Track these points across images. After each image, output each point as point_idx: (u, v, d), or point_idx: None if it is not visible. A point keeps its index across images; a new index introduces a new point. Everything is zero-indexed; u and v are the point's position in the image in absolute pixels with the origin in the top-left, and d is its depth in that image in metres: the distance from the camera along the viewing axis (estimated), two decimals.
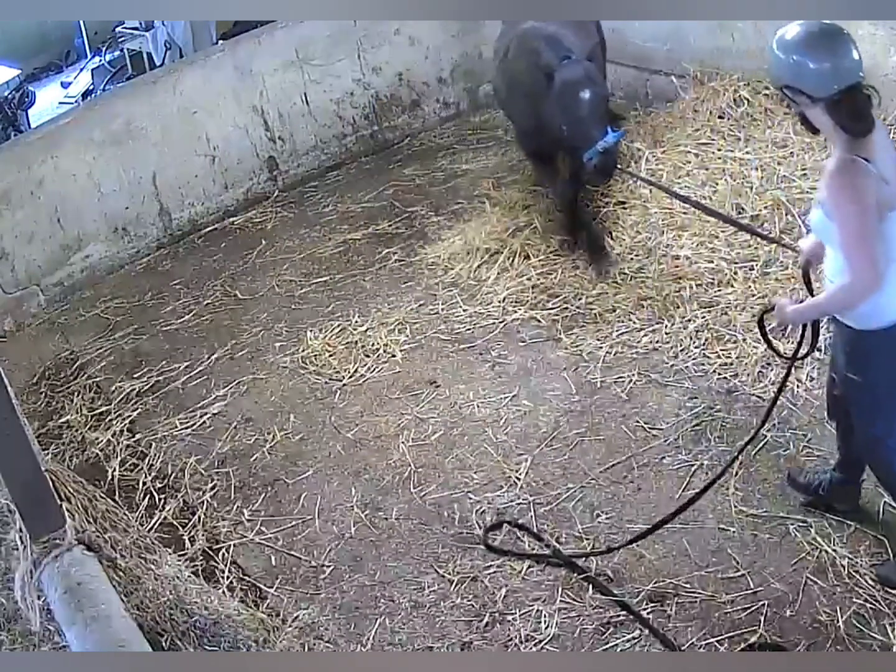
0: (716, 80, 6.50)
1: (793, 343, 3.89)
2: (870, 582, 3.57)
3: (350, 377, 5.20)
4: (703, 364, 4.75)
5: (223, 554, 4.25)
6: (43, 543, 3.17)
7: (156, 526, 4.46)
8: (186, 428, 5.09)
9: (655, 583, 3.76)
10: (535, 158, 6.06)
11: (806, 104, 3.01)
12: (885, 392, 3.31)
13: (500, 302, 5.49)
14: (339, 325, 5.58)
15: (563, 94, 5.13)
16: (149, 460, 4.91)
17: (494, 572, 3.97)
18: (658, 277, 5.31)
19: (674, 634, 3.55)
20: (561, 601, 3.77)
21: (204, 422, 5.11)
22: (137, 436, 5.12)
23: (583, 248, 5.62)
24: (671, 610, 3.65)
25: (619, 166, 5.22)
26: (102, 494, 3.64)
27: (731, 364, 4.69)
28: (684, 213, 5.68)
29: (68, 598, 2.99)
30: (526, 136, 5.92)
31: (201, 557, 4.25)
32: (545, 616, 3.72)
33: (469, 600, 3.88)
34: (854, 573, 3.61)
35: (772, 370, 4.59)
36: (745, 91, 6.35)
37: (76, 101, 8.72)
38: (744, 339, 4.76)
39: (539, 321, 5.31)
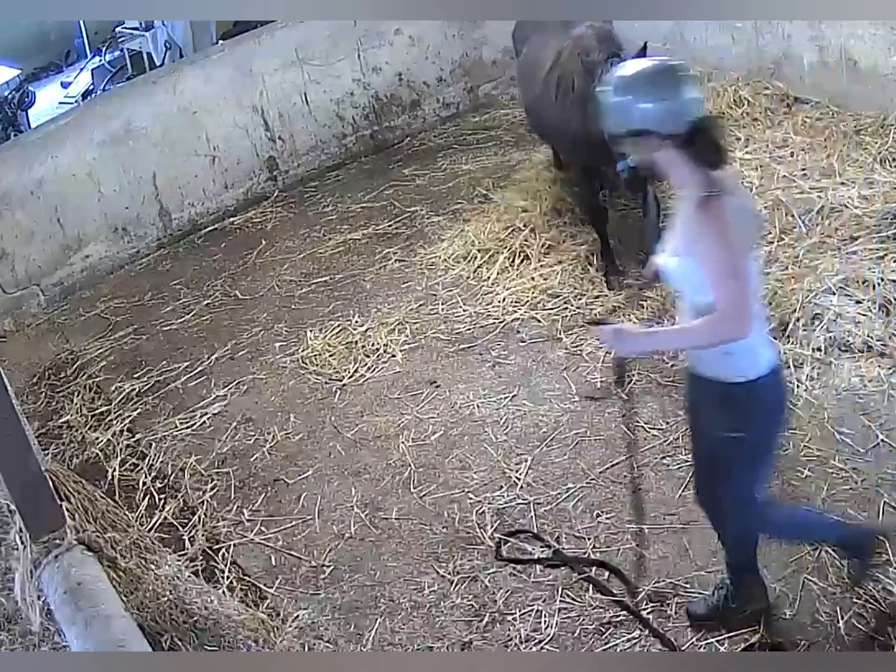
0: (716, 80, 6.52)
1: None
2: (870, 582, 3.56)
3: (350, 377, 5.20)
4: None
5: (223, 554, 4.25)
6: (43, 543, 3.17)
7: (156, 526, 4.46)
8: (186, 428, 5.10)
9: (655, 583, 3.76)
10: (585, 173, 5.50)
11: (657, 146, 2.87)
12: (761, 448, 3.12)
13: (500, 302, 5.49)
14: (339, 325, 5.58)
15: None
16: (149, 460, 4.91)
17: (494, 572, 3.96)
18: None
19: (674, 634, 3.55)
20: (561, 601, 3.77)
21: (204, 422, 5.12)
22: (137, 436, 5.12)
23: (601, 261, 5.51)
24: (671, 610, 3.65)
25: (649, 180, 4.87)
26: (102, 494, 3.64)
27: None
28: None
29: (68, 598, 2.99)
30: (577, 147, 5.31)
31: (201, 557, 4.25)
32: (545, 616, 3.72)
33: (469, 600, 3.87)
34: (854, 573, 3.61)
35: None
36: (745, 91, 6.36)
37: (76, 101, 8.71)
38: None
39: (539, 321, 5.31)
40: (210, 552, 4.28)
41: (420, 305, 5.65)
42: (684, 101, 2.82)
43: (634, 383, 4.74)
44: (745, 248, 2.83)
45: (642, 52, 4.77)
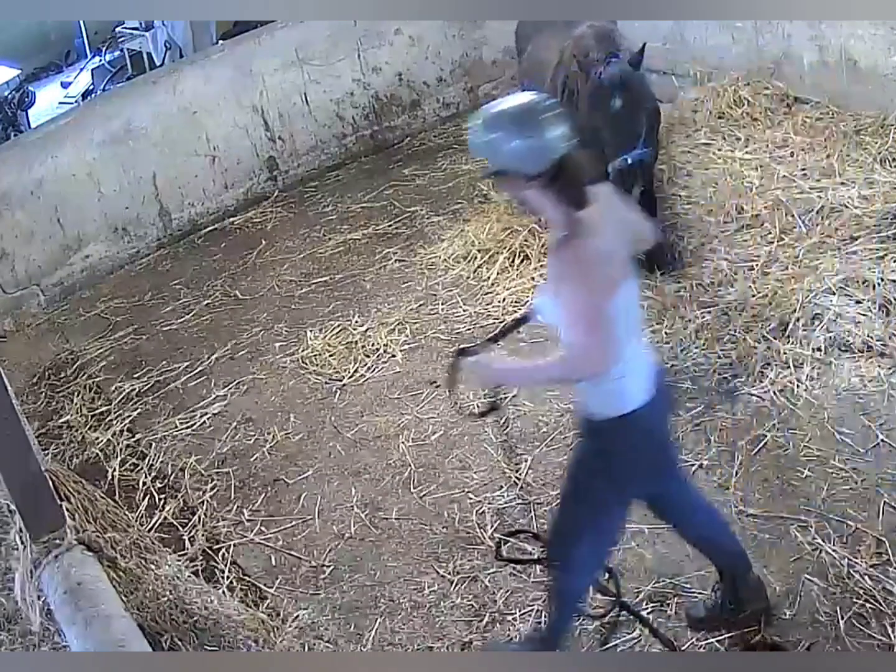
0: (716, 80, 6.52)
1: None
2: (870, 582, 3.57)
3: (350, 377, 5.20)
4: (703, 364, 4.74)
5: (223, 554, 4.25)
6: (43, 543, 3.17)
7: (156, 526, 4.46)
8: (186, 428, 5.10)
9: (655, 583, 3.76)
10: None
11: (522, 185, 2.84)
12: (615, 489, 3.09)
13: (500, 302, 5.49)
14: (339, 325, 5.58)
15: (595, 95, 4.83)
16: (149, 460, 4.91)
17: (494, 572, 3.96)
18: (660, 277, 5.31)
19: (674, 634, 3.55)
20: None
21: (204, 422, 5.12)
22: (137, 436, 5.12)
23: None
24: (671, 610, 3.65)
25: (641, 188, 4.81)
26: (102, 494, 3.64)
27: (731, 364, 4.69)
28: (686, 214, 5.70)
29: (68, 598, 3.00)
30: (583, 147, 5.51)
31: (201, 557, 4.25)
32: (545, 616, 3.72)
33: (469, 600, 3.87)
34: (854, 573, 3.61)
35: (771, 370, 4.59)
36: (745, 91, 6.36)
37: (76, 101, 8.72)
38: (744, 339, 4.75)
39: (539, 321, 5.29)
40: (210, 552, 4.28)
41: (420, 305, 5.65)
42: (547, 139, 2.76)
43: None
44: (605, 289, 2.77)
45: (640, 54, 4.77)
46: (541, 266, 5.61)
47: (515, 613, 3.76)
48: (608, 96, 4.74)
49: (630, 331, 2.90)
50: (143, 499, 4.65)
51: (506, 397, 3.19)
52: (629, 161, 4.70)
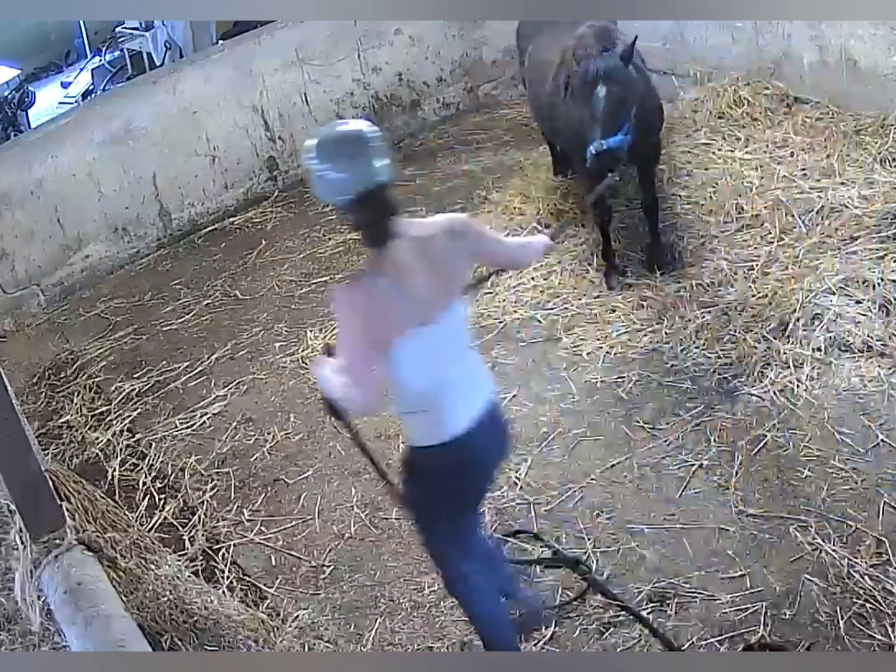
0: (716, 80, 6.52)
1: None
2: (870, 582, 3.57)
3: None
4: (703, 364, 4.74)
5: (223, 554, 4.25)
6: (43, 543, 3.17)
7: (156, 526, 4.46)
8: (186, 428, 5.10)
9: (655, 583, 3.76)
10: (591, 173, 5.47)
11: (339, 215, 2.90)
12: (433, 516, 3.17)
13: (500, 302, 5.49)
14: None
15: (582, 85, 4.87)
16: (149, 460, 4.91)
17: None
18: (659, 277, 5.32)
19: (674, 634, 3.55)
20: (561, 600, 3.77)
21: (204, 422, 5.12)
22: (137, 436, 5.12)
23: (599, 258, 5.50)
24: (671, 610, 3.65)
25: (612, 174, 4.73)
26: (102, 494, 3.64)
27: (731, 364, 4.69)
28: (686, 214, 5.70)
29: (68, 598, 2.99)
30: (584, 146, 5.11)
31: (201, 557, 4.25)
32: (544, 616, 3.72)
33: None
34: (854, 573, 3.61)
35: (771, 370, 4.60)
36: (745, 91, 6.36)
37: (76, 101, 8.71)
38: (744, 339, 4.76)
39: (539, 321, 5.30)
40: (210, 552, 4.28)
41: None
42: (345, 174, 2.73)
43: (634, 383, 4.75)
44: (375, 332, 2.77)
45: (631, 48, 4.78)
46: (540, 266, 5.62)
47: (515, 614, 3.76)
48: (593, 86, 4.77)
49: (437, 368, 2.89)
50: (143, 499, 4.65)
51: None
52: (604, 146, 4.66)
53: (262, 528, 4.40)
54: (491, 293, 5.57)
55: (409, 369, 2.86)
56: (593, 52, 4.82)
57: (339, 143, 2.80)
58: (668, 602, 3.68)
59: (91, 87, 9.07)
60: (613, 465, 4.35)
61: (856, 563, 3.64)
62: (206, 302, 6.16)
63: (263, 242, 6.68)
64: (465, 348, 3.03)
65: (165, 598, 3.23)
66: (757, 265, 5.17)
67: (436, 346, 2.86)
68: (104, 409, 5.35)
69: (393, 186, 2.82)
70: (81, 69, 9.35)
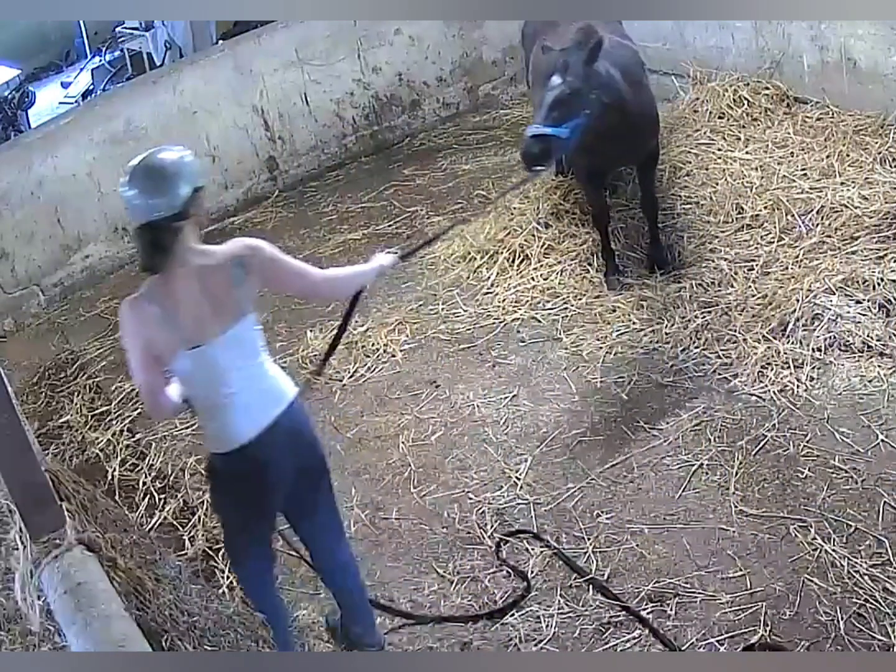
0: (716, 80, 6.52)
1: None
2: (870, 582, 3.57)
3: (350, 377, 5.20)
4: (703, 364, 4.75)
5: (223, 554, 4.25)
6: (43, 543, 3.16)
7: (156, 526, 4.46)
8: (186, 428, 5.09)
9: (655, 583, 3.76)
10: (590, 173, 5.46)
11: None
12: (232, 521, 3.40)
13: (500, 302, 5.49)
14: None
15: (540, 75, 4.89)
16: (149, 460, 4.90)
17: (494, 572, 3.97)
18: (659, 278, 5.32)
19: (674, 634, 3.55)
20: (561, 598, 3.77)
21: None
22: (137, 436, 5.12)
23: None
24: (671, 610, 3.65)
25: (541, 162, 4.63)
26: (102, 494, 3.64)
27: (731, 364, 4.69)
28: (686, 214, 5.70)
29: (68, 598, 2.99)
30: (584, 146, 5.08)
31: (201, 557, 4.25)
32: (545, 616, 3.72)
33: (469, 600, 3.87)
34: (854, 573, 3.61)
35: (771, 370, 4.60)
36: (745, 91, 6.36)
37: (76, 101, 8.71)
38: (744, 339, 4.76)
39: (539, 321, 5.31)
40: (210, 552, 4.28)
41: (420, 305, 5.65)
42: (133, 202, 3.08)
43: (634, 383, 4.75)
44: (156, 348, 3.08)
45: (596, 48, 4.61)
46: (540, 266, 5.62)
47: (515, 613, 3.76)
48: (548, 76, 4.69)
49: (216, 382, 3.13)
50: (143, 499, 4.65)
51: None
52: (539, 130, 4.53)
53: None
54: (491, 293, 5.58)
55: (187, 383, 3.16)
56: (559, 46, 4.78)
57: (139, 171, 3.14)
58: (668, 602, 3.68)
59: (91, 87, 9.07)
60: (613, 465, 4.35)
61: (856, 563, 3.65)
62: None
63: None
64: (252, 362, 3.26)
65: (165, 598, 3.22)
66: (757, 265, 5.17)
67: (213, 362, 3.11)
68: (104, 409, 5.35)
69: (183, 219, 3.04)
70: (81, 69, 9.36)
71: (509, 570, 3.94)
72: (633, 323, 5.10)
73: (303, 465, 3.33)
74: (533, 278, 5.56)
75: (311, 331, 5.59)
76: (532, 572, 3.91)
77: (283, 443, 3.23)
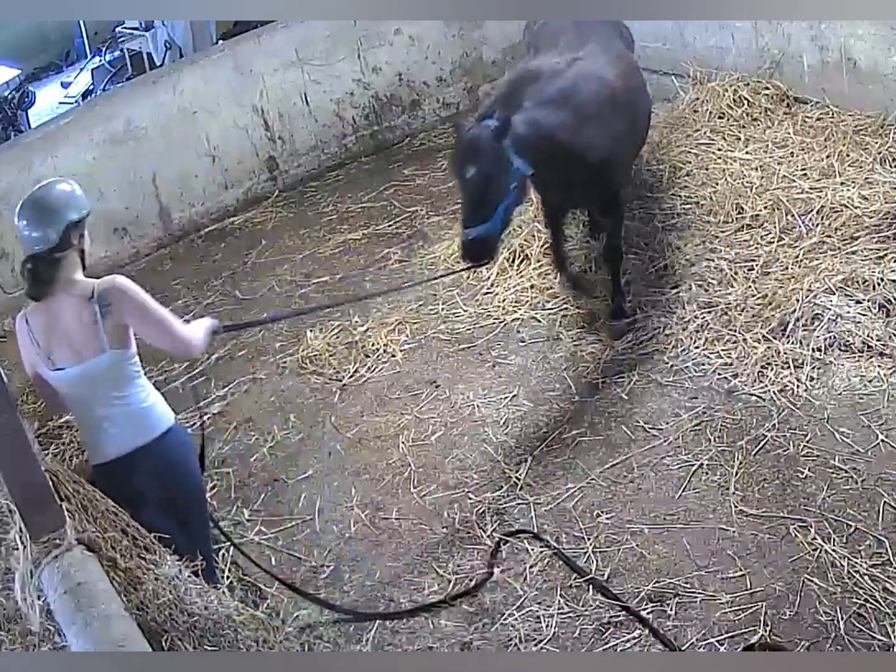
0: (716, 80, 6.52)
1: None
2: (870, 582, 3.57)
3: (350, 377, 5.20)
4: (703, 364, 4.75)
5: (223, 554, 4.25)
6: (43, 543, 3.16)
7: None
8: (186, 428, 5.08)
9: (655, 583, 3.76)
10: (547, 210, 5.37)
11: None
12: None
13: (500, 302, 5.49)
14: (339, 325, 5.58)
15: (453, 155, 4.69)
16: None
17: (493, 572, 3.96)
18: (660, 278, 5.32)
19: (674, 634, 3.55)
20: (561, 598, 3.77)
21: (204, 422, 5.10)
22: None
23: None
24: (671, 610, 3.65)
25: (487, 259, 4.56)
26: (102, 494, 3.63)
27: (731, 364, 4.69)
28: (686, 214, 5.70)
29: (68, 598, 2.99)
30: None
31: (201, 558, 4.24)
32: (545, 616, 3.72)
33: (469, 600, 3.87)
34: (854, 573, 3.61)
35: (771, 370, 4.60)
36: (745, 91, 6.36)
37: (76, 101, 8.71)
38: (744, 339, 4.76)
39: (539, 321, 5.31)
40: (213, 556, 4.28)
41: (420, 305, 5.65)
42: (18, 230, 3.28)
43: (634, 383, 4.75)
44: (34, 362, 3.38)
45: (504, 124, 4.32)
46: (539, 266, 5.62)
47: (515, 613, 3.76)
48: (461, 162, 4.44)
49: (81, 405, 3.40)
50: None
51: None
52: (470, 237, 4.34)
53: (262, 528, 4.40)
54: (491, 293, 5.58)
55: (61, 397, 3.43)
56: (470, 121, 4.55)
57: (26, 204, 3.28)
58: (668, 602, 3.68)
59: (91, 87, 9.07)
60: (613, 465, 4.35)
61: (856, 563, 3.65)
62: (206, 302, 6.15)
63: (263, 242, 6.68)
64: (119, 393, 3.40)
65: (165, 598, 3.22)
66: (757, 265, 5.17)
67: (75, 386, 3.35)
68: None
69: (61, 251, 3.27)
70: (81, 69, 9.36)
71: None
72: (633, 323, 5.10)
73: (168, 497, 3.47)
74: (532, 278, 5.56)
75: (310, 331, 5.59)
76: (532, 572, 3.91)
77: (145, 471, 3.41)
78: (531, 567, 3.94)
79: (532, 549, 4.03)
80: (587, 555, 3.94)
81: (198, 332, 3.73)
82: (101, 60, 9.20)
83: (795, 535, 3.83)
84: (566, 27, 5.28)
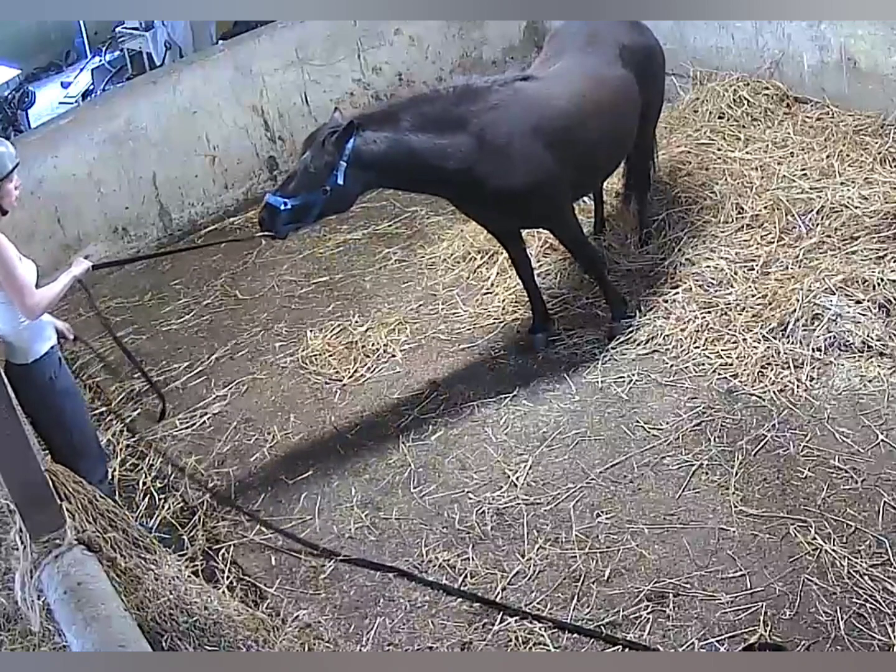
0: (716, 80, 6.52)
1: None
2: (870, 582, 3.57)
3: (350, 377, 5.20)
4: (703, 364, 4.75)
5: (223, 554, 4.25)
6: (43, 543, 3.17)
7: (156, 526, 4.46)
8: (186, 428, 5.09)
9: (655, 583, 3.76)
10: None
11: None
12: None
13: (500, 302, 5.49)
14: (339, 325, 5.58)
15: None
16: (149, 460, 4.90)
17: (493, 572, 3.96)
18: (660, 278, 5.32)
19: (674, 634, 3.55)
20: (559, 596, 3.77)
21: (204, 422, 5.11)
22: (137, 436, 5.11)
23: None
24: (671, 610, 3.65)
25: (268, 229, 4.51)
26: (102, 494, 3.64)
27: (731, 364, 4.69)
28: (685, 214, 5.70)
29: (68, 598, 2.99)
30: None
31: (201, 557, 4.25)
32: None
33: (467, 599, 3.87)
34: (854, 573, 3.62)
35: (771, 370, 4.60)
36: (745, 91, 6.36)
37: (76, 101, 8.70)
38: (744, 339, 4.76)
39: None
40: (210, 552, 4.28)
41: (420, 305, 5.65)
42: None
43: (634, 383, 4.75)
44: None
45: (349, 127, 4.38)
46: (540, 266, 5.63)
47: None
48: (304, 143, 4.59)
49: None
50: (143, 499, 4.65)
51: None
52: (266, 199, 4.47)
53: (262, 528, 4.40)
54: (491, 293, 5.58)
55: None
56: (335, 117, 4.62)
57: None
58: (667, 602, 3.68)
59: (91, 87, 9.06)
60: (613, 465, 4.35)
61: (856, 563, 3.65)
62: (206, 302, 6.16)
63: (263, 242, 6.67)
64: None
65: (165, 598, 3.22)
66: (757, 265, 5.17)
67: None
68: (104, 409, 5.35)
69: None
70: (81, 69, 9.34)
71: None
72: (634, 323, 5.10)
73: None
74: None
75: (310, 331, 5.59)
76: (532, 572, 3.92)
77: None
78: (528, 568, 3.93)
79: (531, 549, 4.02)
80: (587, 555, 3.94)
81: (49, 296, 3.91)
82: (101, 60, 9.19)
83: (795, 535, 3.83)
84: (574, 37, 5.13)
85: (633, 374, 4.80)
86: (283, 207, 4.39)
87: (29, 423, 4.00)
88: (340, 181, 4.40)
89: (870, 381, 4.43)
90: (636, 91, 5.05)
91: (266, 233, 4.57)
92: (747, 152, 5.98)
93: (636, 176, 5.62)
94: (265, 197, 4.53)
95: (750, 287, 5.04)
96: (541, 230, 5.81)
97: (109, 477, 4.48)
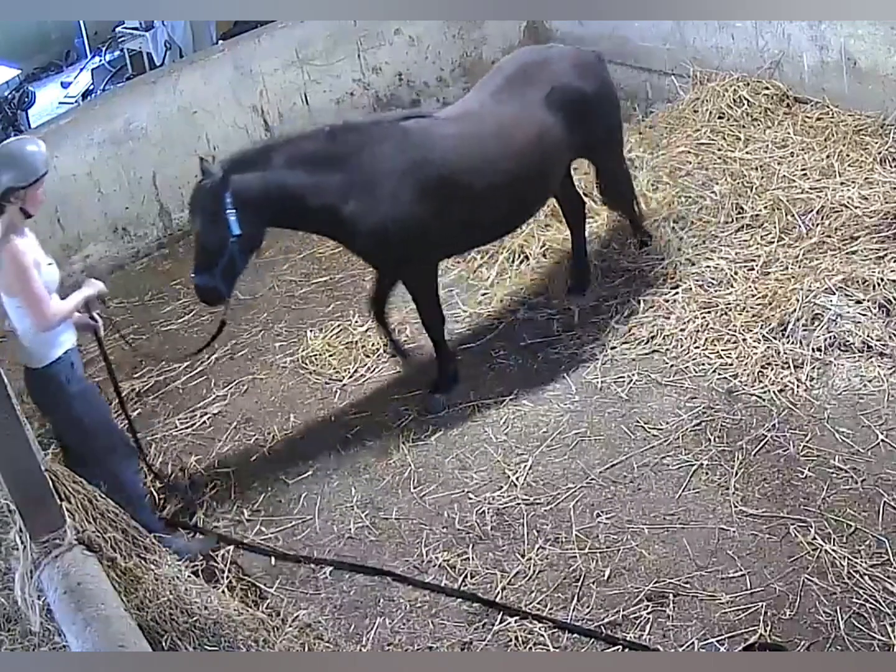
0: (716, 80, 6.52)
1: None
2: (870, 582, 3.57)
3: (350, 377, 5.20)
4: (703, 364, 4.75)
5: (223, 554, 4.25)
6: (43, 543, 3.17)
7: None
8: (186, 428, 5.09)
9: (655, 583, 3.76)
10: None
11: None
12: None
13: (499, 302, 5.49)
14: (339, 325, 5.58)
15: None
16: (149, 460, 4.90)
17: (493, 572, 3.97)
18: (660, 278, 5.32)
19: (674, 634, 3.55)
20: (559, 596, 3.77)
21: (204, 422, 5.11)
22: (137, 436, 5.10)
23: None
24: (671, 610, 3.65)
25: (218, 303, 4.59)
26: (102, 494, 3.64)
27: (731, 364, 4.69)
28: (685, 214, 5.69)
29: (68, 598, 2.99)
30: None
31: (201, 557, 4.25)
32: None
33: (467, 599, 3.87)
34: (854, 573, 3.62)
35: (771, 370, 4.60)
36: (745, 91, 6.36)
37: (76, 101, 8.70)
38: (744, 339, 4.76)
39: (539, 321, 5.30)
40: (210, 552, 4.28)
41: None
42: None
43: (634, 383, 4.75)
44: None
45: (221, 181, 4.26)
46: (540, 266, 5.63)
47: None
48: (190, 210, 4.50)
49: None
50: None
51: None
52: (195, 283, 4.51)
53: (262, 529, 4.40)
54: (491, 293, 5.58)
55: None
56: (204, 167, 4.37)
57: None
58: (667, 602, 3.68)
59: (91, 87, 9.06)
60: (613, 465, 4.35)
61: (856, 563, 3.65)
62: None
63: (263, 243, 6.65)
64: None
65: (165, 598, 3.23)
66: (757, 265, 5.17)
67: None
68: None
69: None
70: (81, 69, 9.34)
71: None
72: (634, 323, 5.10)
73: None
74: (532, 279, 5.56)
75: (311, 331, 5.59)
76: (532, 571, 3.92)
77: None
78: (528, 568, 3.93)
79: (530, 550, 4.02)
80: (587, 555, 3.94)
81: (55, 316, 3.98)
82: (101, 60, 9.19)
83: (795, 535, 3.83)
84: (503, 75, 4.88)
85: (633, 374, 4.80)
86: (211, 283, 4.45)
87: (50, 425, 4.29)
88: (237, 231, 4.33)
89: (870, 381, 4.43)
90: (561, 135, 4.75)
91: (218, 307, 4.69)
92: (747, 152, 5.98)
93: (612, 201, 5.49)
94: (193, 280, 4.57)
95: (750, 287, 5.04)
96: (541, 231, 5.83)
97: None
